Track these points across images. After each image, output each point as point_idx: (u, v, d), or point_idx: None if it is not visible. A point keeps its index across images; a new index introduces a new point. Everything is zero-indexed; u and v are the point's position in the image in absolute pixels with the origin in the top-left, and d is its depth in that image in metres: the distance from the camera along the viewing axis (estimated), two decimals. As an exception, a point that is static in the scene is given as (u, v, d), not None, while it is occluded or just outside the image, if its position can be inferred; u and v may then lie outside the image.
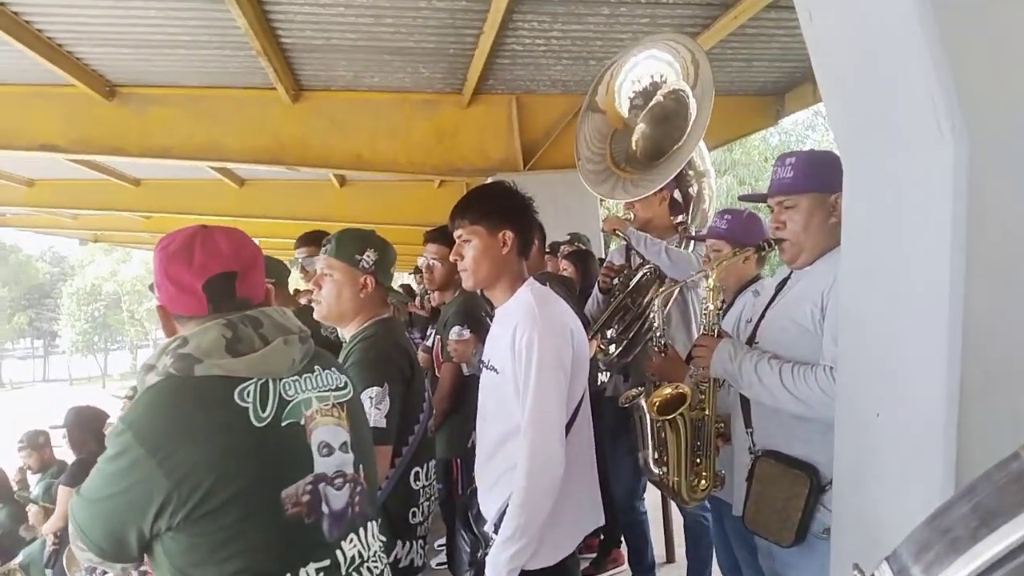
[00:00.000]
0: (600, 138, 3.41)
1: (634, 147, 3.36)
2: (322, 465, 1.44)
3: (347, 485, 1.48)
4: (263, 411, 1.37)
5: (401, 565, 2.21)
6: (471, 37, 4.72)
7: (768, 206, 2.22)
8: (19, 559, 5.05)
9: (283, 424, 1.40)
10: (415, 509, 2.28)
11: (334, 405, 1.51)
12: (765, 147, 22.66)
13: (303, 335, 1.52)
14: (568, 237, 4.59)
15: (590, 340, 3.47)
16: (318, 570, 1.41)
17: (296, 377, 1.46)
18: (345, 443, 1.50)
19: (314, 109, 5.97)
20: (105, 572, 3.35)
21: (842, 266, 1.81)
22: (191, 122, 5.84)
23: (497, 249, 1.98)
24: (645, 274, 3.34)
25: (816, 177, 2.04)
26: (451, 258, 2.07)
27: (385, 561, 1.59)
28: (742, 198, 3.09)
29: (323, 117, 5.97)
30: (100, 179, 8.65)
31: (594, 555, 4.15)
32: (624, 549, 4.13)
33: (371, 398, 2.08)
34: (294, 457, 1.41)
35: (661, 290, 3.26)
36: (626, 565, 4.06)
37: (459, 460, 3.39)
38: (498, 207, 2.01)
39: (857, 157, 1.74)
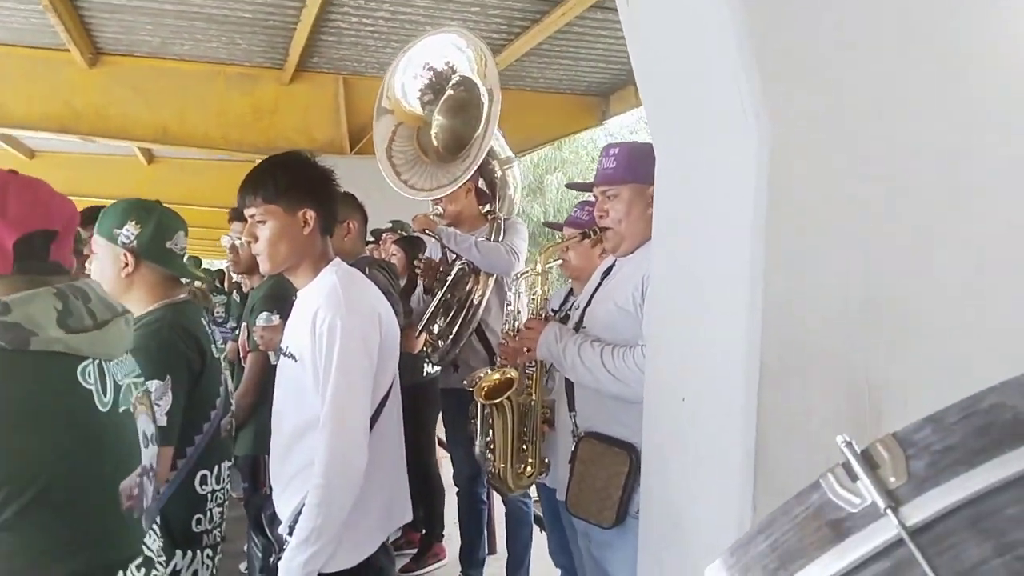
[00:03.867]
0: (408, 144, 3.31)
1: (435, 141, 3.31)
2: (144, 457, 1.34)
3: (153, 478, 1.40)
4: (104, 395, 1.25)
5: None
6: (292, 10, 4.45)
7: (594, 195, 2.25)
8: None
9: (120, 410, 1.28)
10: (200, 516, 2.04)
11: (144, 392, 1.41)
12: (593, 147, 23.55)
13: (131, 315, 1.41)
14: (390, 224, 4.45)
15: (418, 335, 3.39)
16: (138, 566, 1.29)
17: (119, 359, 1.34)
18: (153, 435, 1.41)
19: (114, 76, 5.42)
20: None
21: (652, 251, 1.83)
22: (-36, 80, 5.11)
23: (297, 229, 1.80)
24: (461, 268, 3.33)
25: (637, 168, 2.07)
26: (243, 239, 1.86)
27: (164, 561, 1.44)
28: (569, 186, 3.14)
29: (124, 85, 5.43)
30: None
31: (415, 550, 4.05)
32: (445, 542, 4.07)
33: (150, 393, 1.84)
34: (130, 447, 1.31)
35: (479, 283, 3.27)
36: (447, 559, 3.99)
37: (265, 457, 3.15)
38: (295, 182, 1.81)
39: (667, 145, 1.77)
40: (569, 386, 2.19)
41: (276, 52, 5.28)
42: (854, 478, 0.45)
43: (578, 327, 2.20)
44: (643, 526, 1.84)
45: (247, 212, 1.83)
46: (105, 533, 1.24)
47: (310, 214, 1.81)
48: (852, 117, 1.43)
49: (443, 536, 4.09)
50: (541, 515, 3.41)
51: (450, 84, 3.20)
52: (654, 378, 1.79)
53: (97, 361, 1.26)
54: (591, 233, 2.29)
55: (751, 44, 1.37)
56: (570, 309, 2.62)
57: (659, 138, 1.81)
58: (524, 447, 2.35)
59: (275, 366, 2.93)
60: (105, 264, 1.98)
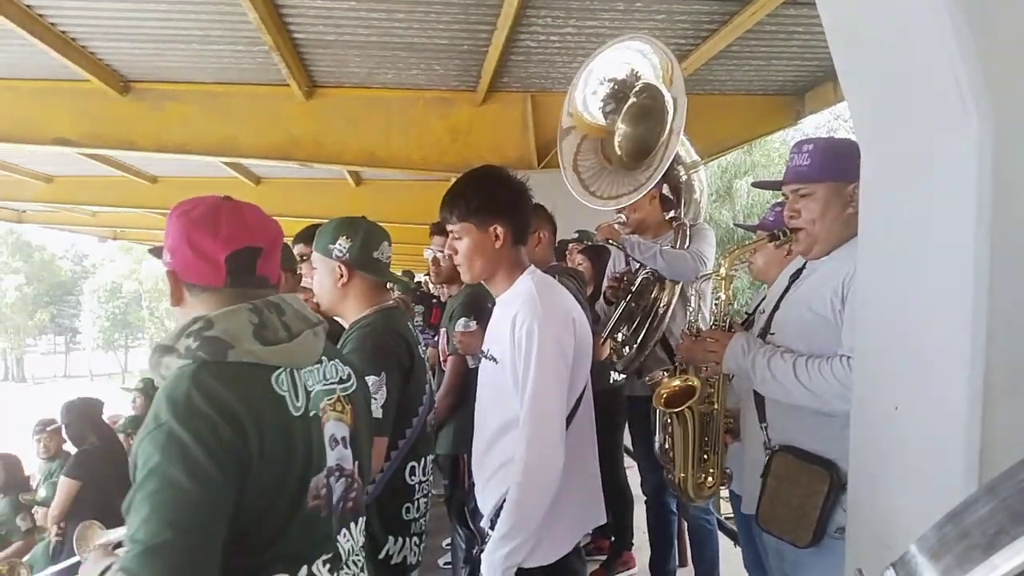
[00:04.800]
0: (594, 157, 3.35)
1: (618, 150, 3.31)
2: (331, 458, 1.42)
3: (343, 480, 1.46)
4: (296, 400, 1.36)
5: (393, 562, 2.15)
6: (484, 34, 4.67)
7: (783, 194, 2.15)
8: (27, 557, 5.08)
9: (310, 415, 1.38)
10: (409, 505, 2.21)
11: (339, 398, 1.49)
12: (785, 149, 22.45)
13: (322, 327, 1.50)
14: (576, 234, 4.53)
15: (603, 343, 3.43)
16: (325, 561, 1.39)
17: (311, 368, 1.44)
18: (345, 438, 1.48)
19: (327, 106, 5.94)
20: (116, 547, 3.35)
21: (860, 255, 1.73)
22: (206, 118, 5.84)
23: (489, 243, 1.93)
24: (646, 276, 3.33)
25: (834, 166, 1.96)
26: (445, 253, 2.01)
27: (363, 558, 1.54)
28: (757, 184, 3.02)
29: (336, 114, 5.94)
30: (117, 176, 8.70)
31: (604, 557, 4.07)
32: (635, 551, 4.06)
33: (367, 389, 2.02)
34: (318, 449, 1.39)
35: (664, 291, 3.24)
36: (636, 568, 3.98)
37: (465, 456, 3.32)
38: (486, 200, 1.94)
39: (875, 141, 1.66)
40: (759, 396, 2.10)
41: (469, 75, 5.56)
42: None
43: (764, 334, 2.11)
44: (851, 546, 1.74)
45: (448, 228, 1.98)
46: (290, 529, 1.31)
47: (500, 229, 1.92)
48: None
49: (632, 545, 4.08)
50: (735, 528, 3.32)
51: (633, 91, 3.21)
52: (864, 391, 1.69)
53: (289, 369, 1.36)
54: (780, 235, 2.20)
55: (967, 22, 1.27)
56: (755, 314, 2.54)
57: (864, 132, 1.70)
58: (705, 457, 2.29)
59: (473, 369, 3.14)
60: (323, 277, 2.21)
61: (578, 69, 5.32)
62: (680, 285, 3.23)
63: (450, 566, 4.05)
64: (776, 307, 2.14)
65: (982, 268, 1.29)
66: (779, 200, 2.82)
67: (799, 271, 2.15)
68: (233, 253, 1.35)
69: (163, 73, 5.54)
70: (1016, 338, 1.29)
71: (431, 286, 5.52)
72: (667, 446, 2.26)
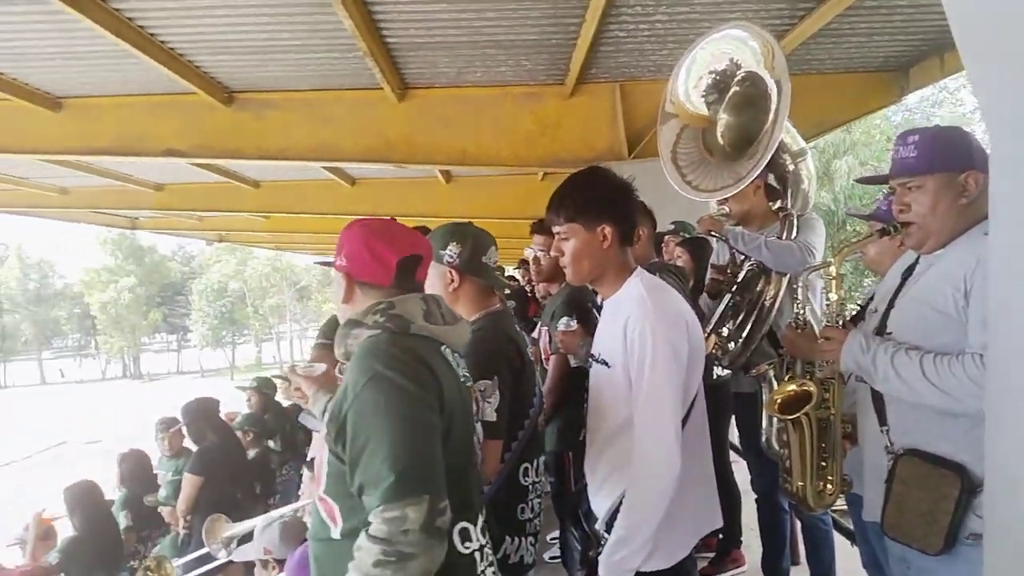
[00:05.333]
0: (693, 147, 3.28)
1: (721, 140, 3.22)
2: (476, 429, 1.76)
3: (479, 452, 1.83)
4: (459, 370, 1.67)
5: (511, 561, 2.19)
6: (573, 26, 4.64)
7: (890, 188, 2.07)
8: (155, 550, 5.43)
9: (467, 385, 1.70)
10: (523, 505, 2.25)
11: (471, 387, 1.78)
12: (887, 126, 21.38)
13: (467, 322, 1.81)
14: (672, 226, 4.45)
15: (706, 337, 3.38)
16: (481, 528, 1.62)
17: (457, 354, 1.73)
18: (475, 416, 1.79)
19: (419, 107, 6.04)
20: (241, 543, 3.57)
21: (990, 247, 1.63)
22: (305, 124, 6.05)
23: (597, 244, 1.92)
24: (751, 269, 3.25)
25: (943, 156, 1.89)
26: (552, 254, 2.03)
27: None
28: (860, 180, 2.91)
29: (428, 114, 6.04)
30: (223, 182, 9.12)
31: (712, 554, 4.01)
32: (743, 549, 3.99)
33: (481, 392, 2.07)
34: (472, 415, 1.72)
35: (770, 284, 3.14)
36: (746, 566, 3.91)
37: (570, 454, 3.34)
38: (595, 201, 1.94)
39: (1003, 122, 1.57)
40: (877, 397, 2.02)
41: (557, 68, 5.55)
42: None
43: (880, 333, 2.02)
44: (989, 553, 1.66)
45: (553, 228, 1.99)
46: (465, 478, 1.57)
47: (608, 230, 1.91)
48: None
49: (741, 543, 4.01)
50: (851, 528, 3.21)
51: (735, 80, 3.12)
52: (999, 389, 1.60)
53: (448, 348, 1.66)
54: (891, 229, 2.10)
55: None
56: (864, 311, 2.44)
57: (992, 115, 1.60)
58: (824, 464, 2.21)
59: (576, 367, 3.15)
60: (434, 282, 2.26)
61: (668, 56, 5.27)
62: (787, 277, 3.13)
63: (555, 560, 4.09)
64: (891, 305, 2.05)
65: None
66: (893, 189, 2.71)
67: (911, 267, 2.06)
68: (403, 259, 1.65)
69: (264, 83, 5.77)
70: None
71: (522, 281, 5.57)
72: (784, 455, 2.20)
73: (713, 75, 3.15)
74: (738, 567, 3.93)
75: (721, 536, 3.99)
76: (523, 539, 2.24)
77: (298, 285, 62.95)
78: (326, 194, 9.68)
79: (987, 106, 1.63)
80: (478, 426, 1.76)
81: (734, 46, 3.06)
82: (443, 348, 1.64)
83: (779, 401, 2.14)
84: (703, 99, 3.20)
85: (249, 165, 8.17)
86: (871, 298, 2.60)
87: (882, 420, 2.02)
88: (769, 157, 2.85)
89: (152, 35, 4.63)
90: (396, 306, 1.58)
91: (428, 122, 6.05)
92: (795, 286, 3.13)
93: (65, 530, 5.59)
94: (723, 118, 3.17)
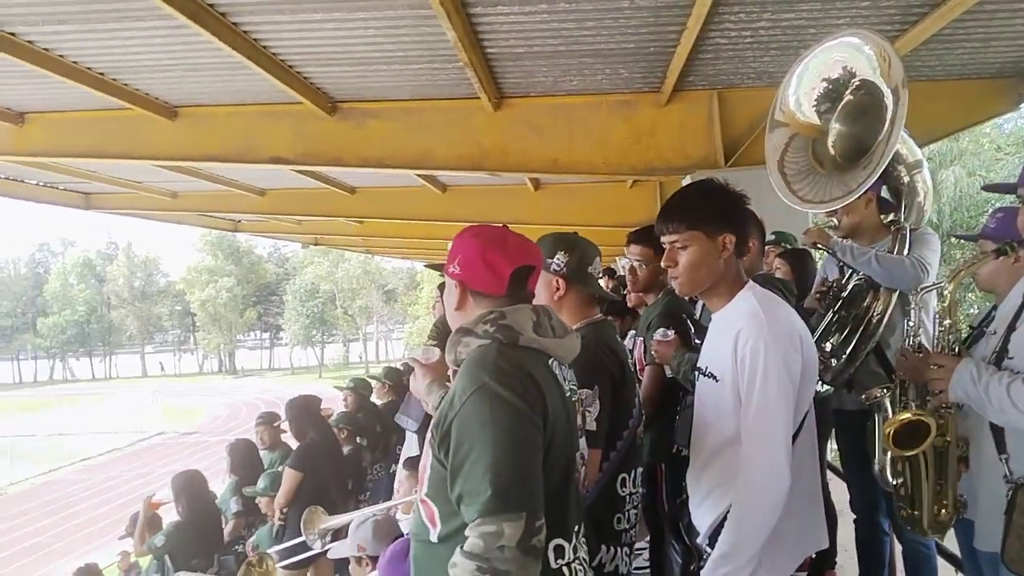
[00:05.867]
0: (802, 155, 3.19)
1: (832, 151, 3.11)
2: (580, 444, 1.77)
3: (584, 466, 1.85)
4: (565, 383, 1.66)
5: (606, 570, 2.20)
6: (673, 34, 4.60)
7: (1018, 197, 1.97)
8: (252, 539, 5.67)
9: (572, 399, 1.69)
10: (620, 515, 2.26)
11: (578, 399, 1.79)
12: (997, 134, 20.25)
13: (577, 334, 1.79)
14: (773, 236, 4.35)
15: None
16: (576, 532, 1.62)
17: (566, 366, 1.73)
18: (583, 432, 1.84)
19: (513, 116, 6.10)
20: (334, 537, 3.69)
21: None
22: (404, 133, 6.19)
23: (716, 254, 1.90)
24: (858, 283, 3.15)
25: None
26: (663, 264, 1.99)
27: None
28: (987, 188, 2.79)
29: (522, 123, 6.08)
30: (321, 188, 9.44)
31: (805, 574, 3.89)
32: (837, 570, 3.86)
33: (581, 400, 2.08)
34: (576, 430, 1.72)
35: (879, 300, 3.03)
36: (840, 588, 3.79)
37: (663, 465, 3.31)
38: (717, 209, 1.93)
39: None
40: (996, 426, 1.95)
41: (654, 76, 5.50)
42: None
43: (1001, 357, 1.93)
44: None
45: (667, 239, 1.96)
46: (564, 495, 1.56)
47: (730, 239, 1.90)
48: None
49: (836, 563, 3.88)
50: (958, 554, 3.07)
51: (849, 89, 3.01)
52: None
53: (556, 361, 1.65)
54: (1008, 249, 2.00)
55: None
56: (984, 326, 2.32)
57: None
58: (939, 488, 2.14)
59: (670, 379, 3.12)
60: (540, 289, 2.29)
61: (770, 63, 5.16)
62: (897, 294, 3.02)
63: (642, 571, 4.05)
64: (1012, 327, 1.96)
65: None
66: (1003, 204, 2.57)
67: None
68: (517, 269, 1.66)
69: (366, 93, 5.95)
70: None
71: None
72: (899, 484, 2.13)
73: (826, 83, 3.05)
74: None
75: (814, 556, 3.87)
76: (619, 549, 2.24)
77: (385, 288, 64.53)
78: (418, 200, 9.89)
79: None
80: (582, 440, 1.76)
81: (848, 53, 2.95)
82: (551, 361, 1.64)
83: (892, 432, 2.07)
84: (815, 108, 3.09)
85: (347, 172, 8.43)
86: (984, 318, 2.48)
87: (1001, 448, 1.96)
88: (883, 168, 2.75)
89: (264, 47, 4.85)
90: (507, 316, 1.59)
91: (522, 131, 6.09)
92: (908, 306, 3.02)
93: (171, 516, 5.90)
94: (835, 128, 3.06)
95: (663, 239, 1.99)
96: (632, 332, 3.66)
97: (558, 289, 2.28)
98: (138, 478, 26.73)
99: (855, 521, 3.43)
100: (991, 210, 2.55)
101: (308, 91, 5.74)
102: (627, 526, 2.27)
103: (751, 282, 1.95)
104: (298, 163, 6.56)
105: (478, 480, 1.38)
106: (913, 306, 2.95)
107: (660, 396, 3.17)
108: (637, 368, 3.42)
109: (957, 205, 18.07)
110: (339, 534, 3.67)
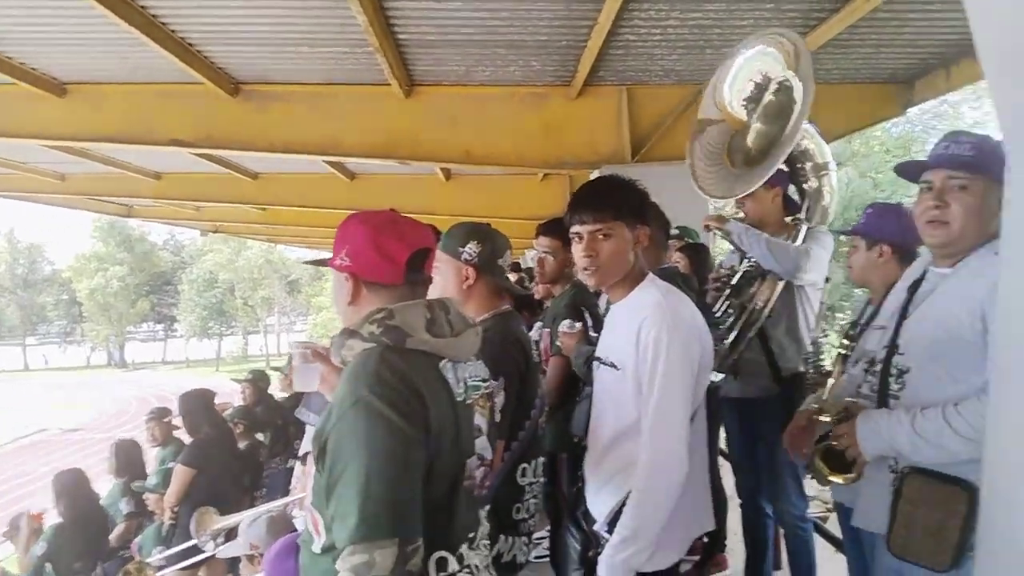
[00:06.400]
0: (719, 142, 3.29)
1: (749, 145, 3.23)
2: (477, 445, 1.62)
3: (482, 468, 1.66)
4: (458, 387, 1.55)
5: (503, 560, 2.20)
6: (585, 29, 4.64)
7: (923, 182, 1.96)
8: (138, 539, 5.40)
9: (466, 403, 1.58)
10: (519, 505, 2.27)
11: (484, 394, 1.68)
12: (887, 137, 21.54)
13: (480, 328, 1.70)
14: (677, 231, 4.47)
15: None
16: (471, 538, 1.55)
17: (466, 363, 1.62)
18: (485, 430, 1.68)
19: (425, 104, 6.02)
20: (228, 537, 3.54)
21: (1006, 255, 1.63)
22: (310, 118, 6.01)
23: (632, 246, 1.93)
24: (748, 269, 3.26)
25: (992, 163, 1.75)
26: (583, 254, 1.95)
27: (489, 542, 1.69)
28: (899, 166, 2.88)
29: (434, 112, 6.02)
30: (221, 173, 9.09)
31: (697, 558, 4.02)
32: (727, 553, 4.00)
33: (490, 394, 2.06)
34: (470, 434, 1.60)
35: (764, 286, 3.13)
36: (729, 570, 3.93)
37: (564, 455, 3.34)
38: (638, 202, 1.96)
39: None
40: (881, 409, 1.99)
41: (565, 70, 5.54)
42: None
43: (891, 351, 1.97)
44: (981, 564, 1.66)
45: (587, 228, 1.92)
46: (450, 506, 1.47)
47: (644, 232, 1.92)
48: None
49: (726, 547, 4.02)
50: (838, 535, 3.22)
51: (768, 91, 3.13)
52: (1000, 406, 1.60)
53: (451, 361, 1.54)
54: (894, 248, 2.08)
55: None
56: (865, 323, 2.42)
57: (1012, 125, 1.60)
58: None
59: (574, 370, 3.14)
60: (448, 277, 2.26)
61: (678, 61, 5.29)
62: (783, 286, 3.12)
63: (541, 560, 4.09)
64: (903, 316, 2.00)
65: None
66: (875, 202, 2.71)
67: (918, 281, 2.01)
68: (413, 254, 1.56)
69: (272, 75, 5.75)
70: None
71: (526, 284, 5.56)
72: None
73: (752, 83, 3.17)
74: (721, 571, 3.95)
75: (706, 540, 4.00)
76: (517, 538, 2.25)
77: (289, 278, 62.76)
78: (324, 188, 9.65)
79: (1004, 114, 1.63)
80: (481, 439, 1.66)
81: (760, 61, 3.10)
82: (443, 363, 1.53)
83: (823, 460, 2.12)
84: (743, 107, 3.21)
85: (250, 156, 8.12)
86: (862, 313, 2.59)
87: None
88: (779, 162, 2.85)
89: (163, 23, 4.60)
90: (395, 315, 1.47)
91: (433, 119, 6.03)
92: (793, 299, 3.14)
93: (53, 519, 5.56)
94: (756, 127, 3.17)
95: (580, 228, 1.95)
96: (539, 324, 3.66)
97: (467, 279, 2.25)
98: (18, 477, 25.10)
99: (740, 506, 3.56)
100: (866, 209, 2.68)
101: (210, 71, 5.49)
102: (526, 516, 2.28)
103: (651, 275, 1.97)
104: (199, 146, 6.27)
105: (348, 503, 1.30)
106: (799, 302, 3.09)
107: (564, 387, 3.19)
108: (543, 359, 3.44)
109: (848, 204, 19.08)
110: (233, 534, 3.53)
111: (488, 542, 1.66)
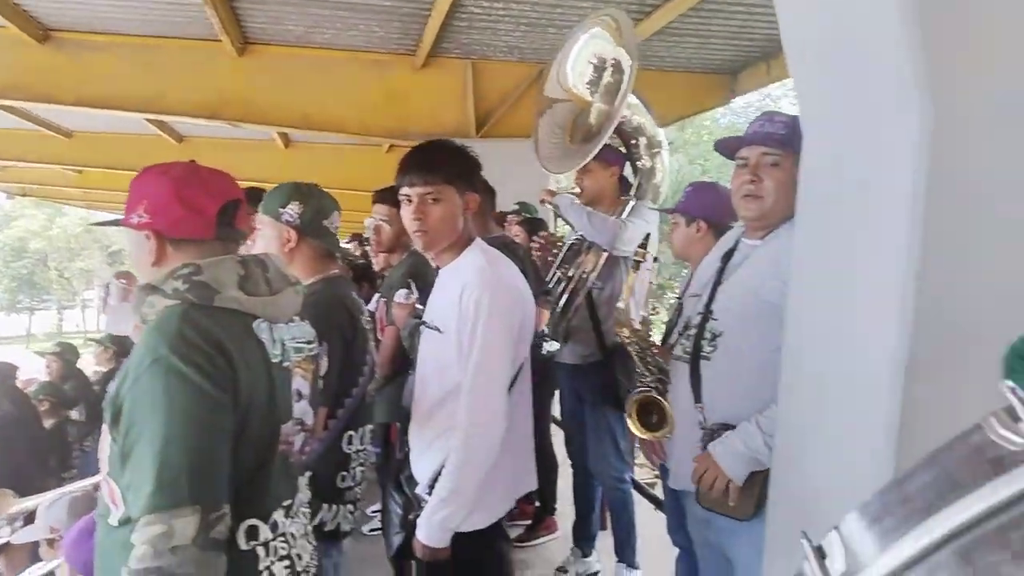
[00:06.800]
0: (565, 120, 3.38)
1: (592, 122, 3.33)
2: (296, 410, 1.54)
3: (302, 433, 1.59)
4: (274, 349, 1.46)
5: (327, 529, 2.15)
6: (427, -4, 4.59)
7: (739, 158, 2.07)
8: None
9: (283, 365, 1.48)
10: (345, 473, 2.22)
11: (306, 357, 1.61)
12: (714, 127, 22.99)
13: (301, 287, 1.62)
14: (517, 206, 4.54)
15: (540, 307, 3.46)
16: (287, 506, 1.48)
17: (286, 323, 1.54)
18: (307, 394, 1.62)
19: (260, 64, 5.73)
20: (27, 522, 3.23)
21: (797, 235, 1.78)
22: (131, 72, 5.55)
23: (461, 211, 1.92)
24: (575, 241, 3.39)
25: (799, 141, 1.86)
26: (412, 216, 1.90)
27: (309, 510, 1.63)
28: (719, 142, 3.03)
29: (269, 72, 5.74)
30: (30, 129, 8.23)
31: (528, 522, 4.15)
32: (558, 517, 4.15)
33: (314, 357, 2.00)
34: (287, 398, 1.50)
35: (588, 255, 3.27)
36: (559, 533, 4.07)
37: (397, 425, 3.32)
38: (469, 167, 1.95)
39: (818, 119, 1.71)
40: (694, 375, 2.09)
41: (409, 39, 5.45)
42: (1016, 419, 0.47)
43: (705, 318, 2.07)
44: (772, 512, 1.81)
45: (417, 190, 1.89)
46: (264, 471, 1.41)
47: (474, 198, 1.92)
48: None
49: (555, 510, 4.18)
50: (660, 496, 3.44)
51: (607, 72, 3.22)
52: (792, 363, 1.75)
53: (266, 322, 1.45)
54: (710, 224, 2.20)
55: (914, 9, 1.31)
56: (682, 298, 2.56)
57: (809, 112, 1.74)
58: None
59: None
60: (269, 240, 2.17)
61: (522, 38, 5.34)
62: (605, 258, 3.23)
63: (376, 532, 4.07)
64: (717, 283, 2.11)
65: (914, 249, 1.34)
66: (693, 181, 2.89)
67: (730, 252, 2.13)
68: (224, 205, 1.44)
69: (87, 23, 5.24)
70: (941, 319, 1.36)
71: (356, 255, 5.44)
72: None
73: (592, 64, 3.25)
74: (550, 533, 4.10)
75: (538, 504, 4.14)
76: (341, 507, 2.20)
77: (110, 249, 57.95)
78: (149, 150, 8.90)
79: (805, 116, 1.77)
80: (302, 404, 1.59)
81: (594, 43, 3.19)
82: (257, 323, 1.43)
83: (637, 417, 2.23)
84: (587, 88, 3.28)
85: (62, 111, 7.39)
86: (687, 287, 2.74)
87: (698, 398, 2.08)
88: (612, 128, 2.95)
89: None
90: (204, 271, 1.36)
91: (269, 81, 5.75)
92: (616, 271, 3.27)
93: None
94: (597, 105, 3.25)
95: (410, 191, 1.91)
96: (378, 295, 3.60)
97: (289, 241, 2.16)
98: None
99: (572, 466, 3.70)
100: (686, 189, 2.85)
101: (15, 15, 4.93)
102: (352, 484, 2.24)
103: (479, 240, 1.99)
104: (1, 96, 5.62)
105: (144, 471, 1.20)
106: (624, 275, 3.21)
107: (397, 358, 3.16)
108: (378, 328, 3.39)
109: (678, 189, 20.17)
110: (33, 517, 3.24)
111: (308, 510, 1.60)
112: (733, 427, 1.96)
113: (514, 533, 3.98)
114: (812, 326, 1.69)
